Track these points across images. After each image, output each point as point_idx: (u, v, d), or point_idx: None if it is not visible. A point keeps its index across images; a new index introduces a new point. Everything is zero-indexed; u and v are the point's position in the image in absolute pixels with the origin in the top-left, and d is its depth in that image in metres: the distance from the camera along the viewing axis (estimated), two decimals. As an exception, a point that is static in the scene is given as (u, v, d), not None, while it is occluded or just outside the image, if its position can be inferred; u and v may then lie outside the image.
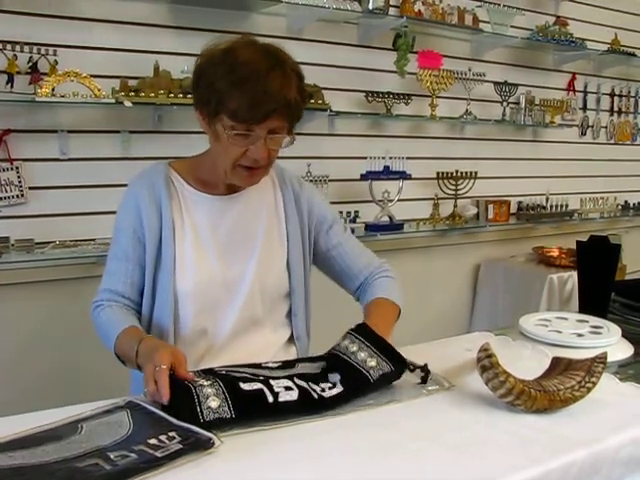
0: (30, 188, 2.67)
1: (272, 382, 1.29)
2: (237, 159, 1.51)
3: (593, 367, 1.35)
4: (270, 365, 1.43)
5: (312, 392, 1.30)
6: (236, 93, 1.44)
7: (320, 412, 1.28)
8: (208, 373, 1.32)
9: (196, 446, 1.10)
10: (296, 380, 1.32)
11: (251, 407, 1.23)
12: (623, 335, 1.77)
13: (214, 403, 1.20)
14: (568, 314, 1.94)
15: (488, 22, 3.92)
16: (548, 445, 1.16)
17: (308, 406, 1.28)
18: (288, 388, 1.29)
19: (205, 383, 1.25)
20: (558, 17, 4.32)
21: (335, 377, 1.36)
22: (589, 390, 1.32)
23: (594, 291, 2.09)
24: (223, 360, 1.54)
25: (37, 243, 2.66)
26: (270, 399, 1.25)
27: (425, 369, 1.43)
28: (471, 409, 1.31)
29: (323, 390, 1.32)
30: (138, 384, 1.52)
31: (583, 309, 2.06)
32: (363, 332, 1.47)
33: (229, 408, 1.21)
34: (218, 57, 1.49)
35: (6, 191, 2.62)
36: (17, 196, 2.65)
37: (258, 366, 1.41)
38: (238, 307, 1.62)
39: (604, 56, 4.56)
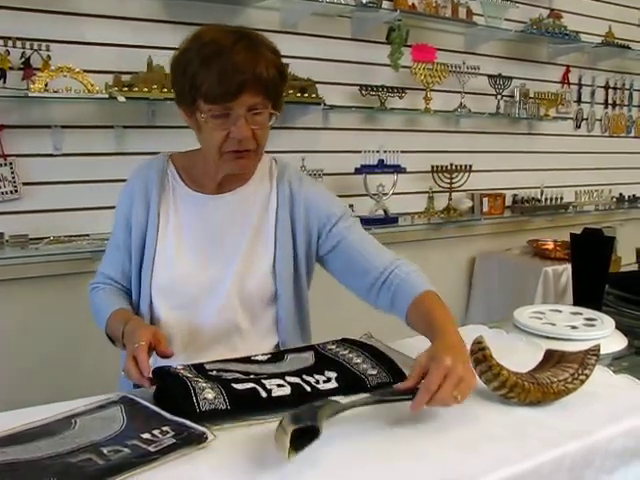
0: (24, 184, 2.68)
1: (264, 381, 1.29)
2: (221, 144, 1.48)
3: (586, 359, 1.35)
4: (259, 358, 1.43)
5: (305, 386, 1.30)
6: (204, 72, 1.42)
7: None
8: (199, 370, 1.33)
9: (189, 440, 1.10)
10: (287, 378, 1.32)
11: (246, 401, 1.24)
12: (617, 327, 1.77)
13: (210, 395, 1.21)
14: (562, 306, 1.94)
15: (482, 15, 3.92)
16: (541, 437, 1.16)
17: (302, 399, 1.27)
18: (280, 385, 1.29)
19: (200, 380, 1.26)
20: (552, 10, 4.32)
21: (331, 374, 1.36)
22: (582, 382, 1.32)
23: (588, 283, 2.09)
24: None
25: (31, 239, 2.66)
26: (264, 394, 1.25)
27: None
28: (464, 402, 1.30)
29: (317, 382, 1.32)
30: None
31: (577, 301, 2.06)
32: (369, 348, 1.47)
33: (224, 400, 1.21)
34: (185, 45, 1.49)
35: (0, 187, 2.61)
36: (11, 192, 2.64)
37: (247, 360, 1.41)
38: (216, 309, 1.59)
39: (598, 49, 4.57)
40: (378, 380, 1.35)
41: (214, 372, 1.33)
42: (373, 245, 1.62)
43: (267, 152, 3.12)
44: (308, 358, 1.44)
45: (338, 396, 1.29)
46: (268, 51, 1.49)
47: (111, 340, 1.56)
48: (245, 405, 1.23)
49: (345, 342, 1.52)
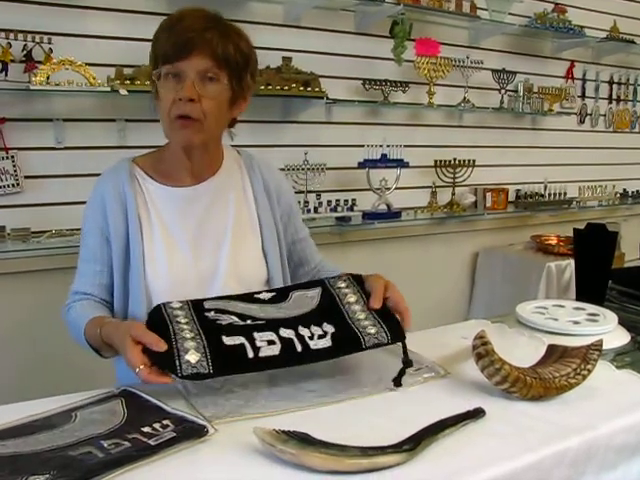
0: (26, 177, 2.67)
1: (255, 335, 1.29)
2: (170, 108, 1.49)
3: (588, 354, 1.35)
4: (262, 296, 1.42)
5: (297, 344, 1.30)
6: (163, 35, 1.50)
7: (302, 363, 1.30)
8: (196, 309, 1.35)
9: (190, 434, 1.10)
10: (281, 332, 1.31)
11: (230, 363, 1.25)
12: (620, 323, 1.77)
13: (193, 358, 1.23)
14: (565, 302, 1.94)
15: (486, 9, 3.91)
16: (543, 432, 1.16)
17: (290, 359, 1.29)
18: (271, 342, 1.29)
19: (187, 336, 1.27)
20: (556, 4, 4.30)
21: (329, 328, 1.35)
22: (584, 377, 1.32)
23: (591, 279, 2.09)
24: None
25: (33, 232, 2.66)
26: (250, 354, 1.26)
27: (406, 364, 1.38)
28: (466, 397, 1.30)
29: (311, 337, 1.31)
30: (122, 373, 1.53)
31: (580, 297, 2.05)
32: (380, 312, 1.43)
33: (207, 363, 1.23)
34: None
35: (1, 180, 2.61)
36: (13, 185, 2.64)
37: (250, 297, 1.42)
38: None
39: (603, 43, 4.54)
40: (375, 341, 1.33)
41: (212, 313, 1.34)
42: (315, 246, 1.84)
43: (270, 146, 3.12)
44: (314, 297, 1.43)
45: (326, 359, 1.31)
46: (231, 31, 1.54)
47: (95, 349, 1.50)
48: (228, 368, 1.25)
49: (356, 284, 1.48)
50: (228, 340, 1.27)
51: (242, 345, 1.26)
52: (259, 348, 1.26)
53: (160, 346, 1.25)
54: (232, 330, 1.30)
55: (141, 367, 1.24)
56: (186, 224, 1.60)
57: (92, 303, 1.59)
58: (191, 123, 1.50)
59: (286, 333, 1.32)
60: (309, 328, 1.33)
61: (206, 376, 1.22)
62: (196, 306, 1.37)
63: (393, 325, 1.38)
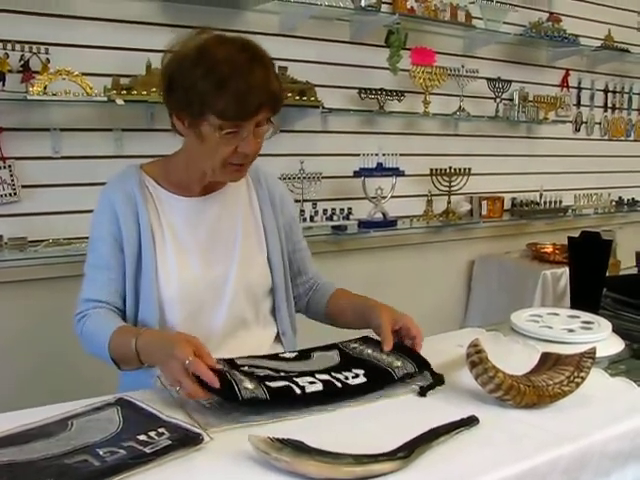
0: (23, 186, 2.67)
1: (296, 379, 1.32)
2: (227, 157, 1.48)
3: (582, 362, 1.36)
4: (287, 356, 1.47)
5: (336, 382, 1.33)
6: (221, 92, 1.40)
7: (346, 399, 1.32)
8: (231, 365, 1.34)
9: (185, 442, 1.10)
10: (317, 375, 1.34)
11: (283, 395, 1.27)
12: (614, 330, 1.77)
13: (249, 385, 1.24)
14: (560, 310, 1.94)
15: (481, 18, 3.92)
16: (536, 440, 1.17)
17: (334, 395, 1.31)
18: (312, 382, 1.31)
19: (237, 373, 1.29)
20: (551, 13, 4.32)
21: (359, 371, 1.38)
22: (578, 385, 1.33)
23: (586, 287, 2.09)
24: None
25: (30, 241, 2.67)
26: (298, 391, 1.28)
27: (438, 380, 1.41)
28: (460, 404, 1.31)
29: (347, 378, 1.35)
30: (128, 379, 1.52)
31: (575, 305, 2.06)
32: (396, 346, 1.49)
33: (264, 391, 1.24)
34: (192, 57, 1.45)
35: (-1, 190, 2.62)
36: (10, 194, 2.64)
37: (275, 357, 1.45)
38: (225, 308, 1.61)
39: (597, 52, 4.57)
40: (404, 371, 1.39)
41: (246, 368, 1.34)
42: (309, 253, 1.86)
43: (266, 155, 3.12)
44: (334, 356, 1.48)
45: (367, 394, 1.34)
46: (270, 64, 1.51)
47: (116, 363, 1.48)
48: (282, 398, 1.26)
49: (367, 341, 1.55)
50: (272, 384, 1.28)
51: (288, 386, 1.29)
52: (303, 387, 1.29)
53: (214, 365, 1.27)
54: (271, 378, 1.31)
55: (190, 358, 1.23)
56: (196, 233, 1.62)
57: (109, 312, 1.56)
58: (247, 165, 1.55)
59: (322, 377, 1.34)
60: (341, 373, 1.37)
61: (264, 402, 1.23)
62: (229, 363, 1.36)
63: (415, 357, 1.44)
